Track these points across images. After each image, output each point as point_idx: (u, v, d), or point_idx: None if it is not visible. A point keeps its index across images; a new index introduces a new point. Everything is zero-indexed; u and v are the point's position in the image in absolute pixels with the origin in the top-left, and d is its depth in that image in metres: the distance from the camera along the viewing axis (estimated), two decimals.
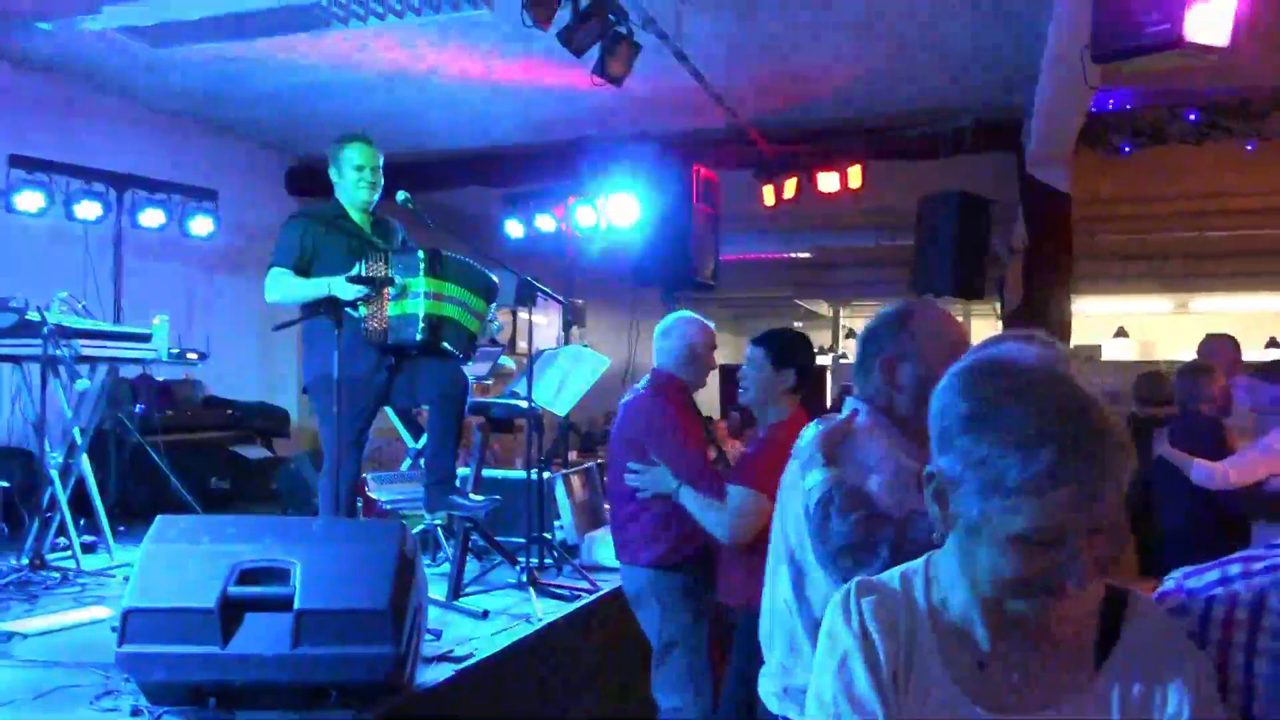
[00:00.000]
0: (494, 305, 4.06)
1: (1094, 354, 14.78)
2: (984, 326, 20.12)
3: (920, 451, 1.66)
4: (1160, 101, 6.77)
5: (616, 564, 3.47)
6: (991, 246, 7.63)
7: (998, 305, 12.49)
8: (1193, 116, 6.61)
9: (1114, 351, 16.52)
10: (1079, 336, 10.56)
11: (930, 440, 1.17)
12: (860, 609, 1.19)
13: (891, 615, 1.19)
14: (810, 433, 1.88)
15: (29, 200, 6.10)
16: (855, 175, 7.54)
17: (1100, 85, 5.00)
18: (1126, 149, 6.89)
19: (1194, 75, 6.08)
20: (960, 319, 20.42)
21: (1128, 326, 18.32)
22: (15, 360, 4.40)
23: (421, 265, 3.76)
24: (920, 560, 1.25)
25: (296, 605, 2.51)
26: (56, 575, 4.25)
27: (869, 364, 1.93)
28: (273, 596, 2.53)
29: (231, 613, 2.52)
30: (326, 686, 2.55)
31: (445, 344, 3.88)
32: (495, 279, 4.06)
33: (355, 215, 3.99)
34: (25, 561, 4.29)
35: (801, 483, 1.83)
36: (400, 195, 3.90)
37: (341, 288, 3.69)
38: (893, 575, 1.25)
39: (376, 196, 3.99)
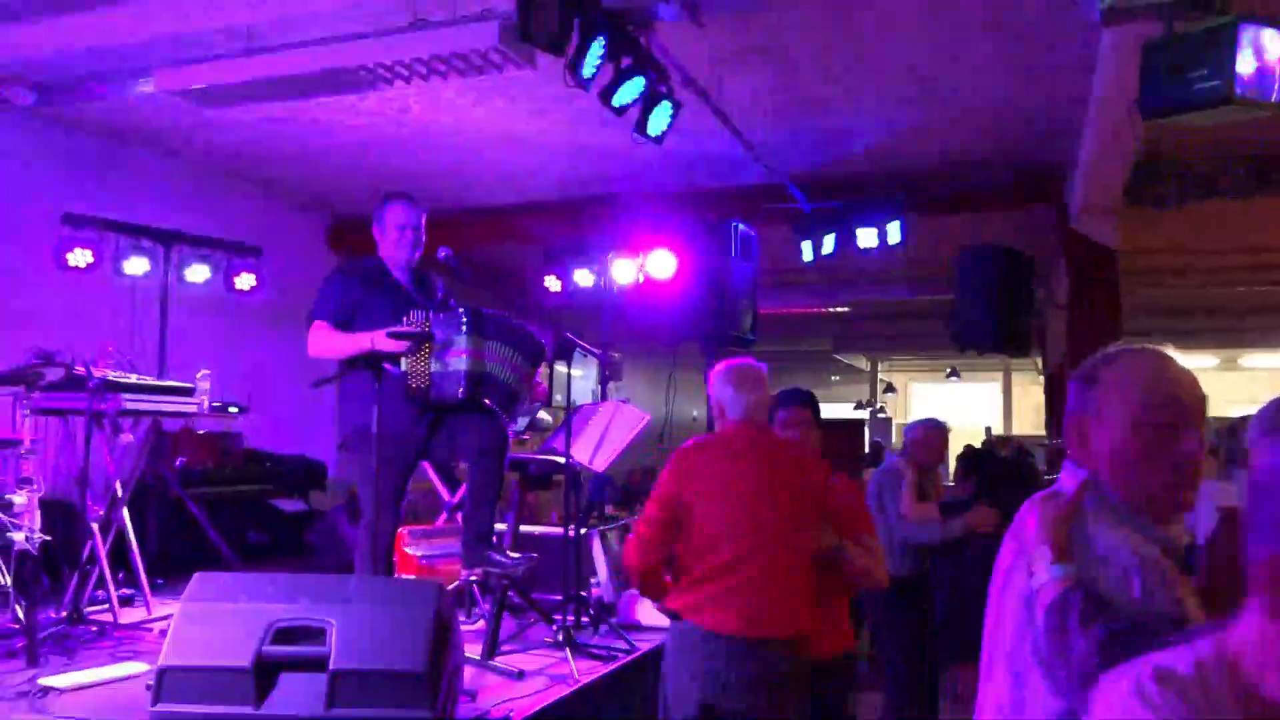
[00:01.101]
0: (535, 365, 4.04)
1: None
2: (1025, 380, 19.88)
3: (1158, 528, 1.46)
4: (1209, 154, 6.69)
5: (653, 623, 3.41)
6: (1035, 301, 7.54)
7: (1039, 361, 12.33)
8: (1242, 170, 6.52)
9: None
10: None
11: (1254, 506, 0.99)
12: (1163, 702, 1.00)
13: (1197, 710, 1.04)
14: (1035, 511, 1.56)
15: (79, 257, 6.23)
16: (894, 231, 7.51)
17: (1148, 137, 4.95)
18: (1174, 203, 6.80)
19: (1244, 129, 6.00)
20: (1000, 374, 20.17)
21: None
22: (61, 414, 4.44)
23: (464, 323, 3.76)
24: (1208, 642, 1.04)
25: (332, 665, 2.47)
26: (94, 629, 4.24)
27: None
28: (308, 656, 2.50)
29: (267, 672, 2.49)
30: None
31: (487, 400, 3.86)
32: (541, 342, 4.05)
33: (397, 272, 4.01)
34: (64, 615, 4.29)
35: (1026, 576, 1.51)
36: (441, 253, 3.93)
37: (383, 342, 3.69)
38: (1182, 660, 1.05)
39: (418, 253, 4.01)
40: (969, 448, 8.65)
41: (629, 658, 3.98)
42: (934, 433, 5.02)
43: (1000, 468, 5.05)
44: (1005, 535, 1.64)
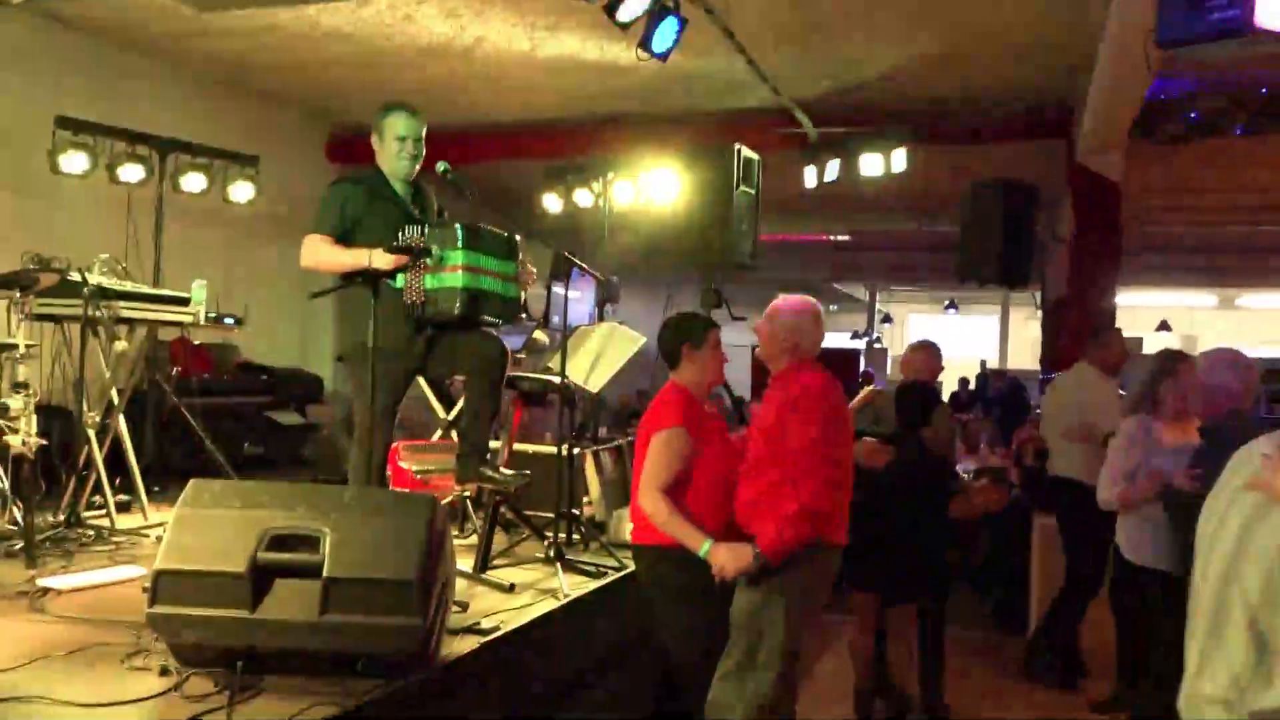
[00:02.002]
0: (517, 261, 3.99)
1: (1135, 347, 14.51)
2: (1023, 315, 19.89)
3: None
4: (1218, 91, 6.59)
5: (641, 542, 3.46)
6: (1036, 235, 7.50)
7: (1037, 295, 12.31)
8: (1251, 108, 6.42)
9: (1156, 345, 16.24)
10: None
11: None
12: None
13: None
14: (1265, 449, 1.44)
15: (74, 162, 6.15)
16: (899, 159, 7.43)
17: (1160, 72, 4.86)
18: (1181, 139, 6.72)
19: (1254, 66, 5.90)
20: (998, 308, 20.14)
21: (1171, 320, 18.01)
22: (56, 320, 4.44)
23: (460, 238, 3.73)
24: None
25: (325, 573, 2.51)
26: (91, 533, 4.30)
27: None
28: (302, 564, 2.53)
29: (261, 578, 2.52)
30: (354, 655, 2.55)
31: (485, 316, 3.86)
32: (517, 237, 4.00)
33: (395, 185, 3.96)
34: (62, 518, 4.35)
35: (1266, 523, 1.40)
36: (440, 166, 3.87)
37: (381, 259, 3.66)
38: None
39: (417, 167, 3.96)
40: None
41: (618, 574, 4.05)
42: (918, 353, 4.83)
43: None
44: (1218, 483, 1.56)
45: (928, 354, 4.81)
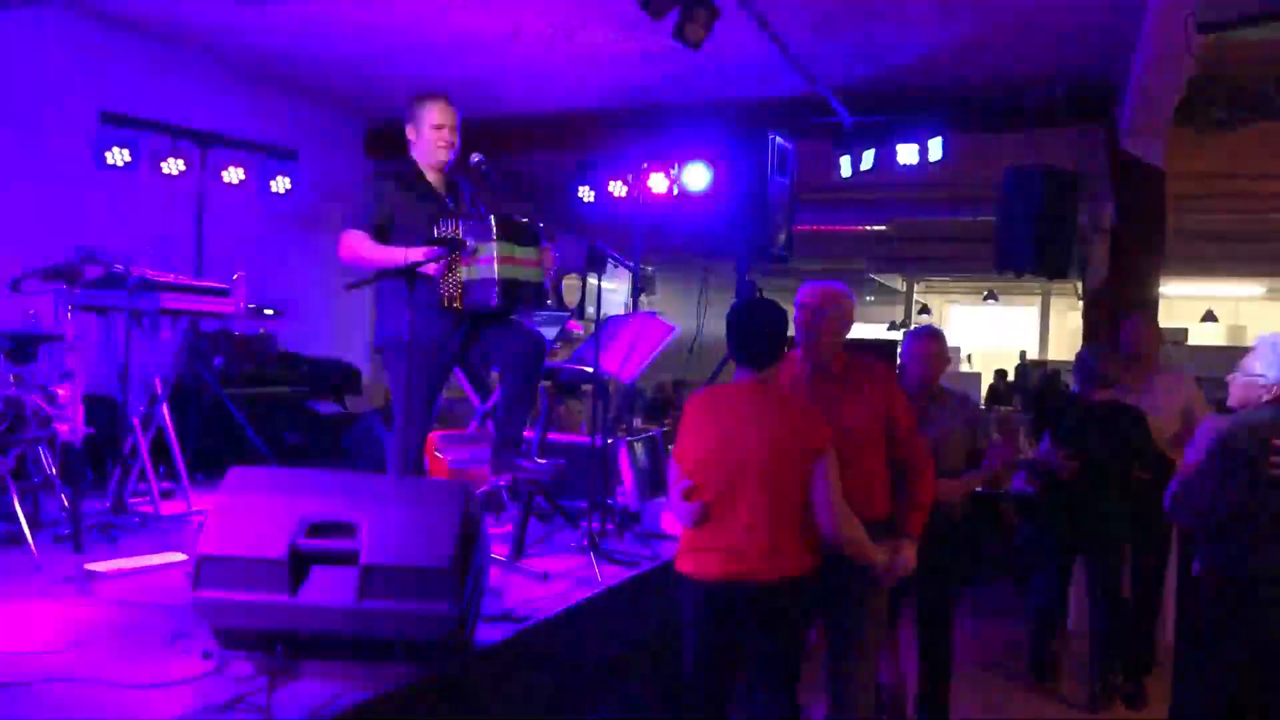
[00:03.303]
0: (540, 246, 3.98)
1: (1180, 338, 14.27)
2: (1063, 305, 19.60)
3: None
4: (1265, 74, 6.44)
5: (677, 532, 3.46)
6: (1078, 223, 7.37)
7: (1079, 285, 12.13)
8: None
9: (1201, 336, 15.95)
10: (1164, 319, 10.18)
11: None
12: None
13: None
14: None
15: (118, 156, 6.27)
16: (936, 148, 7.34)
17: (1204, 55, 4.76)
18: (1225, 124, 6.57)
19: None
20: (1038, 298, 19.87)
21: (1216, 310, 17.66)
22: (101, 311, 4.53)
23: (494, 230, 3.75)
24: None
25: (362, 560, 2.55)
26: (137, 519, 4.40)
27: None
28: (340, 550, 2.57)
29: (300, 564, 2.57)
30: (389, 641, 2.59)
31: (521, 306, 3.88)
32: (536, 222, 3.99)
33: (430, 176, 3.99)
34: (108, 505, 4.45)
35: None
36: (474, 158, 3.90)
37: (415, 255, 3.68)
38: None
39: (453, 156, 3.98)
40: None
41: (653, 564, 4.07)
42: (918, 345, 4.26)
43: None
44: None
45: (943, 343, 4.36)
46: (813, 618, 3.40)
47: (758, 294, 5.67)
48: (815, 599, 3.17)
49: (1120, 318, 5.81)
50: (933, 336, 4.30)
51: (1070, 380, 6.50)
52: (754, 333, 3.07)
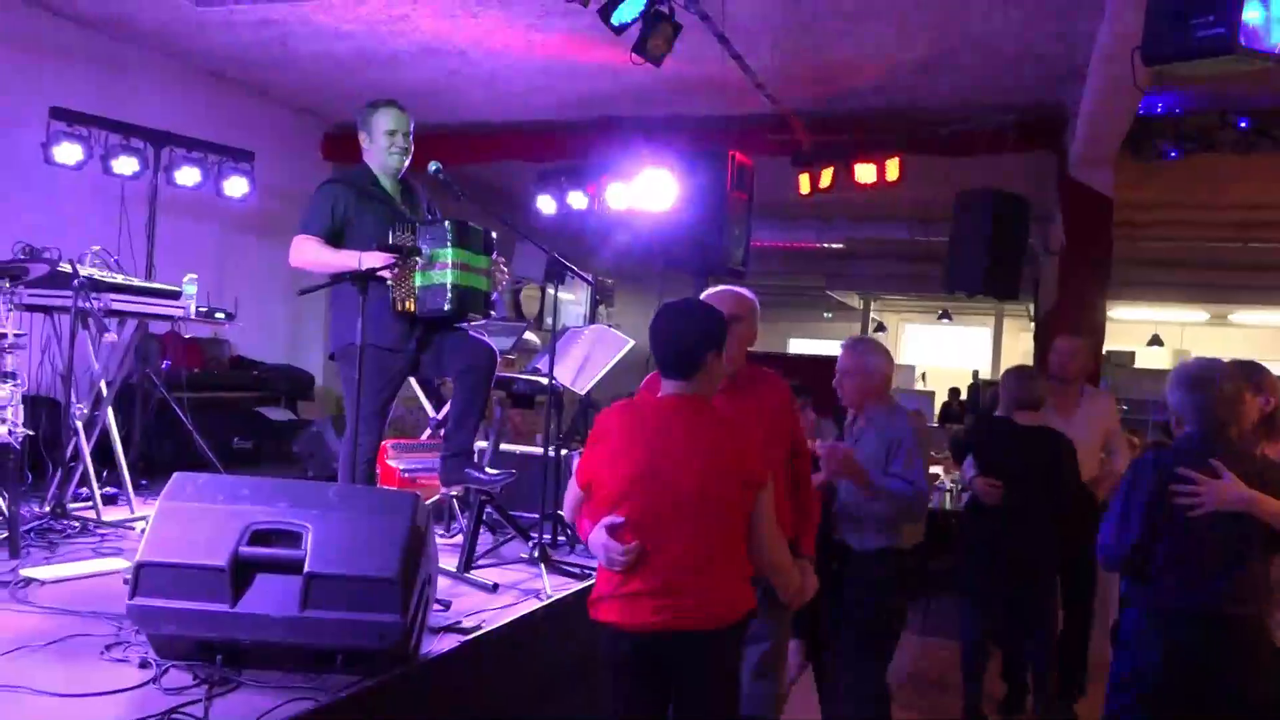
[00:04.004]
0: (496, 254, 3.99)
1: (1127, 361, 14.59)
2: (1016, 326, 19.95)
3: None
4: (1210, 108, 6.64)
5: None
6: (1028, 247, 7.53)
7: (1031, 307, 12.36)
8: (1243, 124, 6.47)
9: (1147, 359, 16.33)
10: (1112, 342, 10.41)
11: None
12: None
13: None
14: None
15: (67, 153, 6.15)
16: (893, 168, 7.46)
17: (1149, 88, 4.89)
18: (1173, 154, 6.76)
19: (1245, 82, 5.94)
20: (992, 319, 20.18)
21: (1163, 334, 18.07)
22: (46, 311, 4.44)
23: (450, 236, 3.75)
24: None
25: (306, 568, 2.52)
26: (77, 525, 4.30)
27: None
28: (284, 559, 2.55)
29: (242, 572, 2.54)
30: (332, 650, 2.56)
31: (472, 314, 3.88)
32: (489, 231, 3.99)
33: (384, 181, 3.98)
34: (47, 509, 4.35)
35: None
36: (432, 166, 3.89)
37: (371, 260, 3.67)
38: None
39: (406, 162, 3.98)
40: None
41: None
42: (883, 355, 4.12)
43: None
44: None
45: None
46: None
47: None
48: None
49: (1087, 333, 5.80)
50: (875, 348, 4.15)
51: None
52: (671, 336, 2.66)
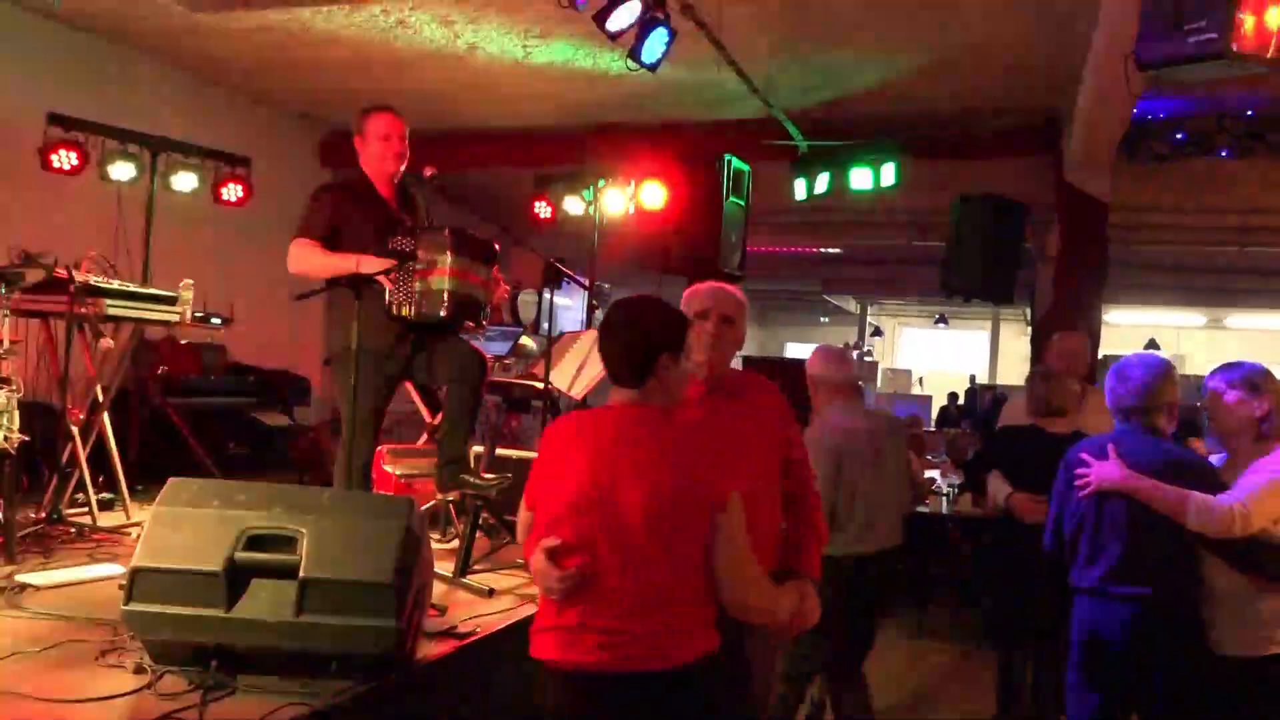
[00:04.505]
0: (496, 267, 4.02)
1: None
2: (1013, 331, 19.98)
3: None
4: (1206, 112, 6.66)
5: None
6: (1025, 251, 7.56)
7: (1028, 311, 12.38)
8: (1239, 129, 6.50)
9: None
10: (1108, 346, 10.43)
11: None
12: None
13: None
14: None
15: (64, 158, 6.15)
16: (889, 173, 7.47)
17: (1144, 93, 4.91)
18: (1169, 158, 6.79)
19: (1241, 87, 5.96)
20: (989, 323, 20.23)
21: (1159, 338, 18.11)
22: (42, 316, 4.44)
23: (448, 244, 3.75)
24: None
25: (302, 573, 2.52)
26: (72, 530, 4.30)
27: None
28: (279, 564, 2.55)
29: (238, 577, 2.53)
30: (328, 656, 2.56)
31: (468, 322, 3.88)
32: (492, 242, 4.02)
33: (381, 187, 3.99)
34: (43, 515, 4.35)
35: None
36: (427, 171, 3.90)
37: (369, 264, 3.68)
38: None
39: (402, 167, 3.98)
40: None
41: None
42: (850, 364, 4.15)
43: None
44: None
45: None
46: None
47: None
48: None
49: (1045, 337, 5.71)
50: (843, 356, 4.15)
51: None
52: (619, 336, 2.33)
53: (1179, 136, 6.85)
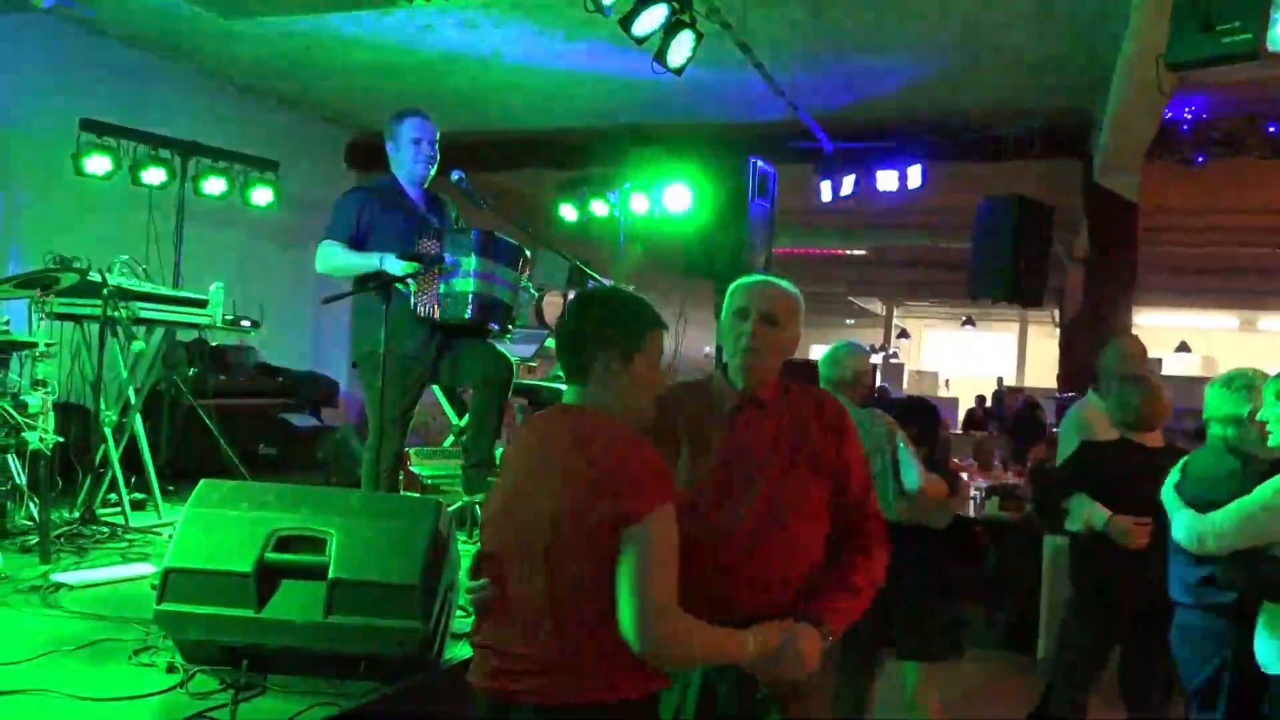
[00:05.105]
0: (526, 274, 4.05)
1: (1154, 368, 14.41)
2: (1041, 333, 19.80)
3: None
4: (1237, 112, 6.58)
5: None
6: (1052, 254, 7.49)
7: (1056, 313, 12.27)
8: (1271, 129, 6.41)
9: (1175, 366, 16.16)
10: None
11: None
12: None
13: None
14: None
15: (97, 164, 6.25)
16: (915, 175, 7.44)
17: (1175, 93, 4.86)
18: (1200, 159, 6.71)
19: (1274, 87, 5.89)
20: (1016, 325, 20.07)
21: (1190, 341, 17.90)
22: (76, 319, 4.50)
23: (475, 246, 3.77)
24: None
25: (330, 575, 2.54)
26: (106, 530, 4.35)
27: None
28: (308, 565, 2.57)
29: (267, 578, 2.56)
30: (356, 656, 2.58)
31: (494, 325, 3.90)
32: (522, 247, 4.05)
33: (410, 190, 4.02)
34: (76, 515, 4.40)
35: None
36: (454, 174, 3.93)
37: (392, 264, 3.71)
38: None
39: (433, 171, 4.01)
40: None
41: None
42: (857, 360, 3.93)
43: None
44: None
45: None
46: None
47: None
48: None
49: (1100, 342, 5.50)
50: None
51: (1045, 410, 6.38)
52: (562, 326, 2.10)
53: (1210, 137, 6.76)
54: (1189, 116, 6.71)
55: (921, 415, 4.08)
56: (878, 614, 2.45)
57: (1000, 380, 18.31)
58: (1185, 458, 3.30)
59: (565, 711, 1.87)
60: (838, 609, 2.18)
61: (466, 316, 3.76)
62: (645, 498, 1.86)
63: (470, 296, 3.74)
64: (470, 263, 3.76)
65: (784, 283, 2.35)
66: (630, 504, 1.85)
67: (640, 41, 4.61)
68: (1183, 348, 17.62)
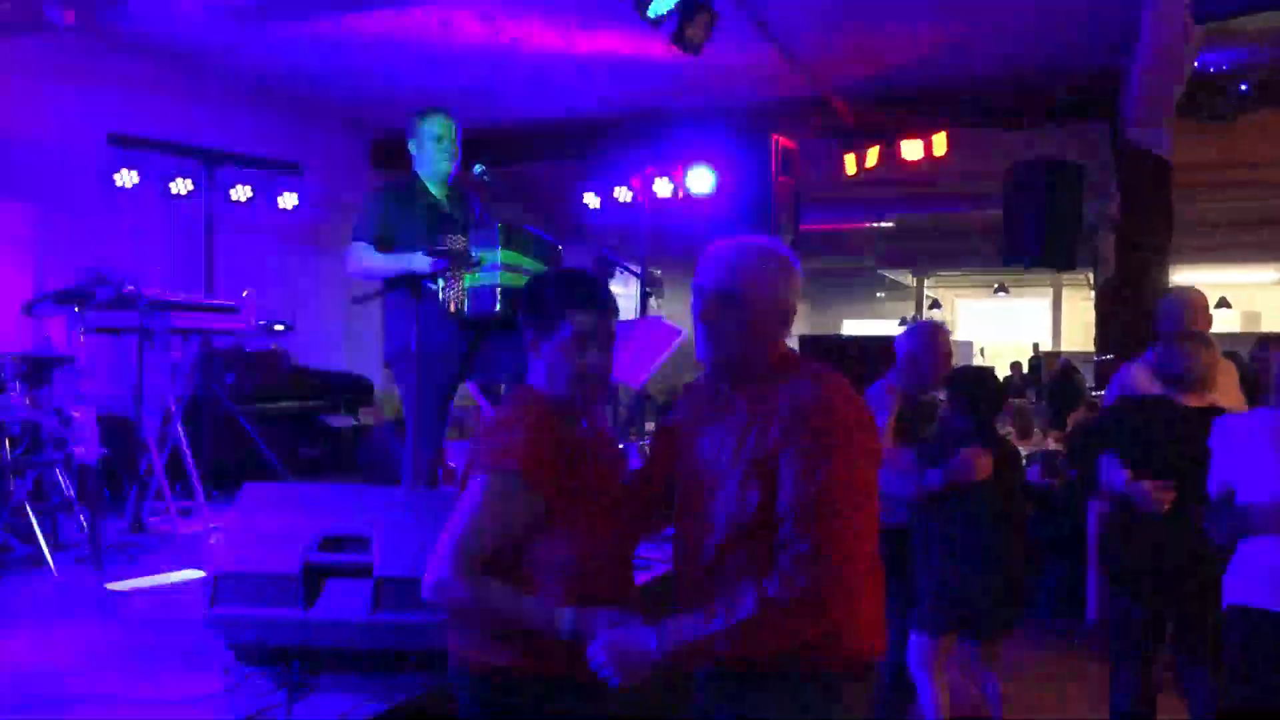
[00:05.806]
0: (554, 265, 4.04)
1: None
2: (1076, 296, 19.53)
3: None
4: (1268, 62, 6.42)
5: None
6: (1084, 216, 7.36)
7: (1090, 275, 12.10)
8: None
9: (1216, 323, 15.85)
10: None
11: None
12: None
13: None
14: None
15: (125, 178, 6.34)
16: (940, 143, 7.35)
17: (1208, 44, 4.75)
18: (1231, 112, 6.56)
19: None
20: (1050, 290, 19.75)
21: (1230, 297, 17.56)
22: (114, 332, 4.57)
23: (499, 238, 3.77)
24: None
25: (376, 572, 2.56)
26: (155, 538, 4.43)
27: None
28: (353, 564, 2.59)
29: (314, 578, 2.58)
30: (404, 652, 2.60)
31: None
32: (555, 241, 4.04)
33: (433, 187, 4.02)
34: (126, 525, 4.48)
35: None
36: (477, 168, 3.93)
37: (420, 261, 3.72)
38: None
39: (455, 166, 4.01)
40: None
41: (665, 567, 4.06)
42: (931, 341, 3.76)
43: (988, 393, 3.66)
44: None
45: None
46: None
47: None
48: None
49: (1150, 301, 5.14)
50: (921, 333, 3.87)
51: (1083, 375, 6.25)
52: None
53: (1241, 88, 6.61)
54: (1219, 69, 6.56)
55: (967, 385, 3.91)
56: None
57: (1036, 346, 18.08)
58: None
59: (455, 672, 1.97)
60: (679, 625, 1.78)
61: (495, 310, 3.76)
62: (486, 458, 1.92)
63: (498, 291, 3.74)
64: (496, 255, 3.76)
65: (741, 245, 1.99)
66: (481, 455, 1.94)
67: (655, 25, 4.59)
68: (1222, 304, 17.27)
